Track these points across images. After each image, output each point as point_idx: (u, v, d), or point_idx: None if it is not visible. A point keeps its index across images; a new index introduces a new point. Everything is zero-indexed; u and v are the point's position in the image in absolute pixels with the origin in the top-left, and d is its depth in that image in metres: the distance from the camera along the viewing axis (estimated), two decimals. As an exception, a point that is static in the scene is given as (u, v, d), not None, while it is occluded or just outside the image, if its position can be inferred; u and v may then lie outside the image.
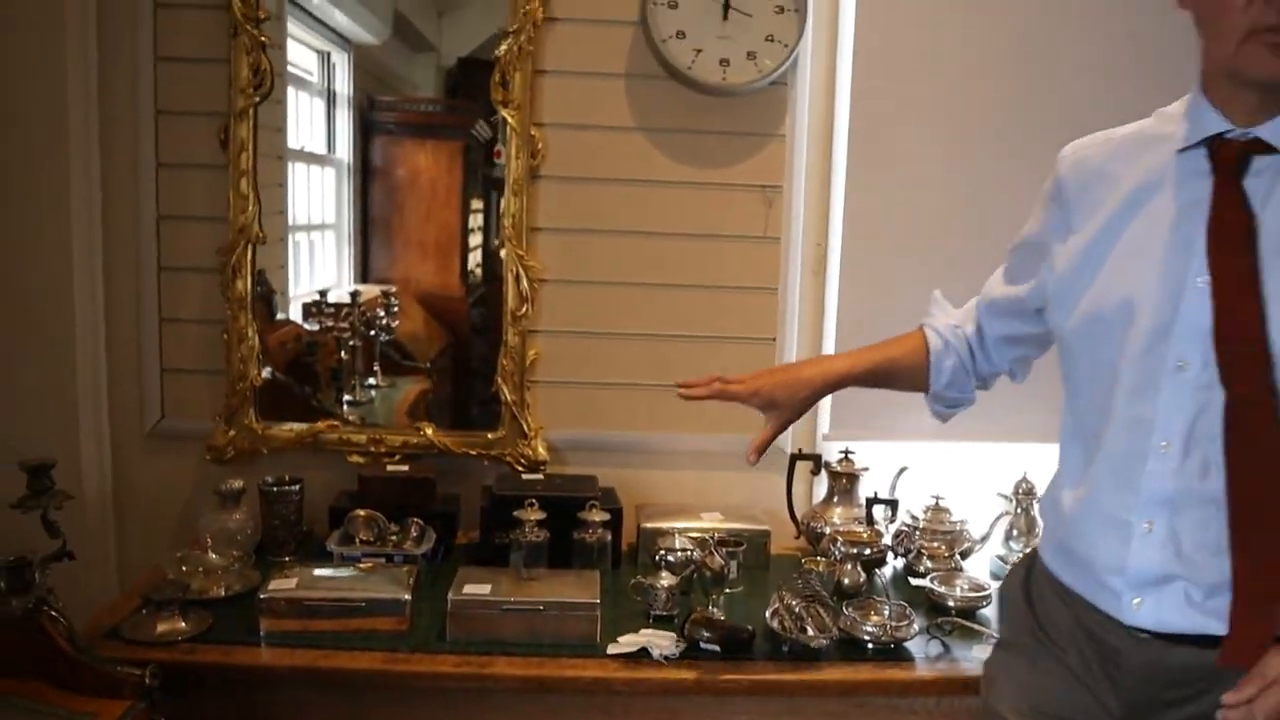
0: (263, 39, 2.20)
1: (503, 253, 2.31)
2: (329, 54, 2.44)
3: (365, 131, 2.44)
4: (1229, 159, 1.19)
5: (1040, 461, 2.31)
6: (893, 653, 1.81)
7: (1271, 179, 1.18)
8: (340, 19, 2.42)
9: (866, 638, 1.81)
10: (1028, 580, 1.44)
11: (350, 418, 2.40)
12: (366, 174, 2.45)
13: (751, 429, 1.61)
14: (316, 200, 2.47)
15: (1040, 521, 2.24)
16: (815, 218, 2.37)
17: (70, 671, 1.58)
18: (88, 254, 2.21)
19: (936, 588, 2.00)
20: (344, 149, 2.43)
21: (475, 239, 2.45)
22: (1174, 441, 1.20)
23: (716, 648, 1.78)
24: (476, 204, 2.44)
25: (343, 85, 2.44)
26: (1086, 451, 1.33)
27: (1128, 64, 2.28)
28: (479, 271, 2.44)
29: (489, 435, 2.35)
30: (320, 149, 2.44)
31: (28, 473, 1.74)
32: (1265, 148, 1.18)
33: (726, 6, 2.20)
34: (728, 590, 1.94)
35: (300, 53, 2.38)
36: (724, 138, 2.32)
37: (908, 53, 2.31)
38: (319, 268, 2.49)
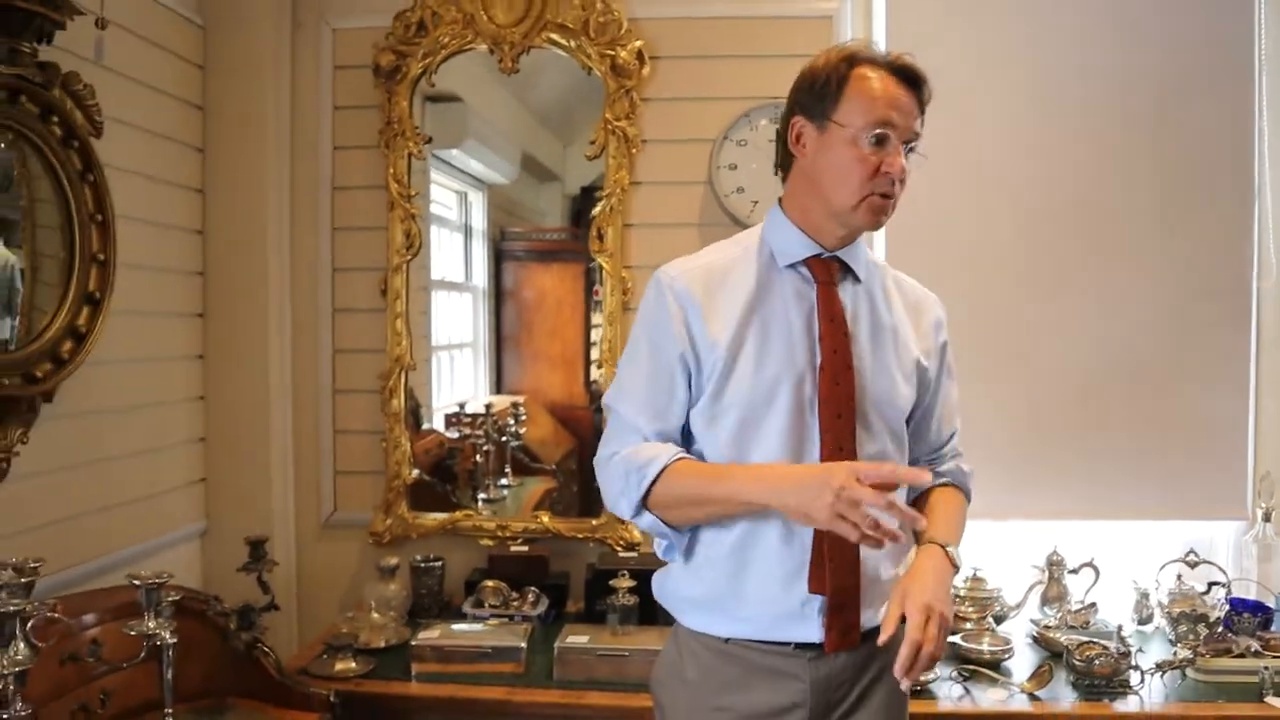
0: (413, 211, 2.73)
1: (600, 373, 2.77)
2: (466, 193, 2.87)
3: (498, 259, 2.82)
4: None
5: (1069, 536, 2.64)
6: (919, 694, 2.15)
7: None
8: (476, 166, 2.85)
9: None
10: None
11: (484, 513, 2.79)
12: (499, 297, 2.82)
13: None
14: (456, 322, 2.87)
15: (1070, 589, 2.56)
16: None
17: (277, 692, 2.10)
18: (281, 381, 2.77)
19: (962, 643, 2.34)
20: (479, 276, 2.83)
21: (597, 352, 2.77)
22: None
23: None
24: (598, 319, 2.75)
25: (478, 220, 2.84)
26: None
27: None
28: (602, 381, 2.74)
29: (593, 521, 2.78)
30: (459, 277, 2.85)
31: (250, 545, 2.31)
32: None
33: (776, 167, 2.67)
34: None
35: (441, 194, 2.82)
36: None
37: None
38: (459, 381, 2.90)
